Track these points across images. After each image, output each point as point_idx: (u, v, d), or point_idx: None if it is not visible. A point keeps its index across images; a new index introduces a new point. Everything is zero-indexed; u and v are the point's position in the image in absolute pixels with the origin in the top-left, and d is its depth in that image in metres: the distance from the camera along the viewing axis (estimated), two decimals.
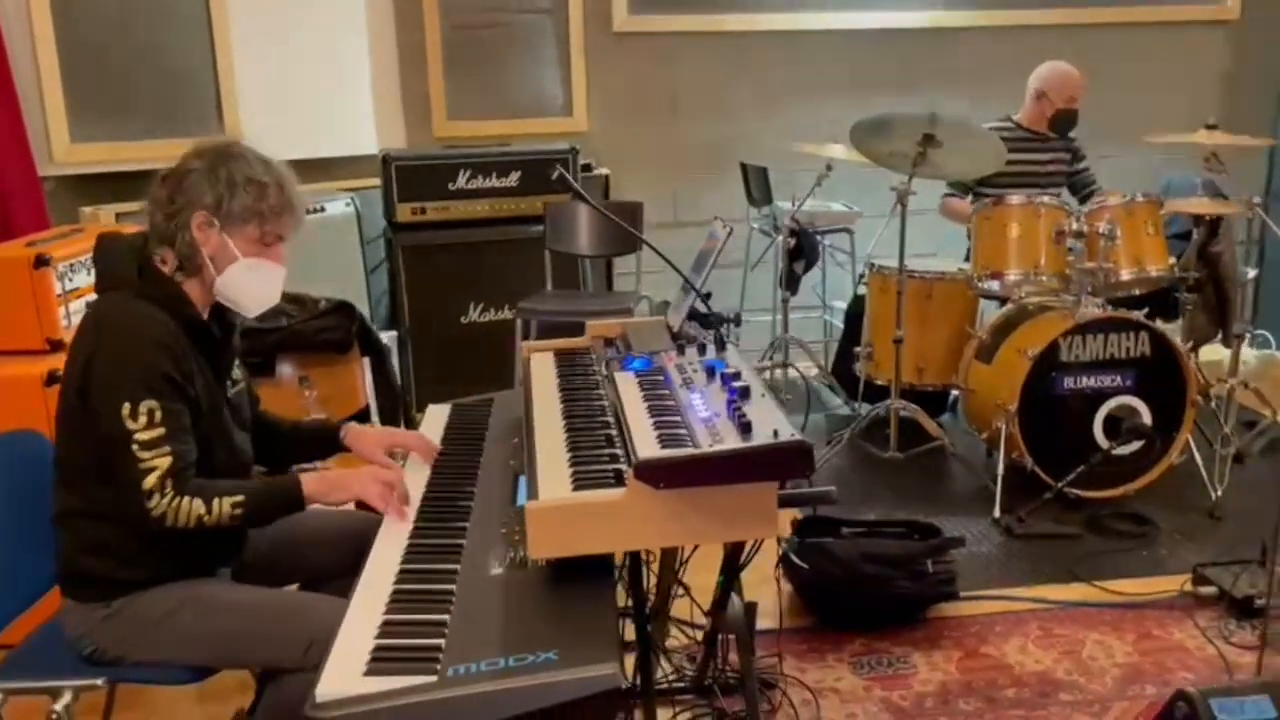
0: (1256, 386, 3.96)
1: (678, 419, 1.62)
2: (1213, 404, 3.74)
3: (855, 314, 4.24)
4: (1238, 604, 2.75)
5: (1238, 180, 3.93)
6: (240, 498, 1.74)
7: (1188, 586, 2.89)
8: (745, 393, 1.64)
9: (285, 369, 2.99)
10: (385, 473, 1.86)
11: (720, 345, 1.93)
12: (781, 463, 1.43)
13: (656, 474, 1.41)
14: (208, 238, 1.78)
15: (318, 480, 1.84)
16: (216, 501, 1.72)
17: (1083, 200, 4.08)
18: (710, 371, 1.78)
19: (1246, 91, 5.03)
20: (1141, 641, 2.67)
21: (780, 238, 4.23)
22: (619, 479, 1.51)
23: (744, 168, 4.60)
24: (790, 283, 4.32)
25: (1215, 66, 5.08)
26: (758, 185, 4.50)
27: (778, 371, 4.47)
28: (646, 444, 1.52)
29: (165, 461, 1.69)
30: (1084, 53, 4.34)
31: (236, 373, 1.96)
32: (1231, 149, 3.67)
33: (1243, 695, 1.70)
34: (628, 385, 1.82)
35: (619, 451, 1.62)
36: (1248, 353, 4.87)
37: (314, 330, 3.06)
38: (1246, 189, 4.05)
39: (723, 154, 4.80)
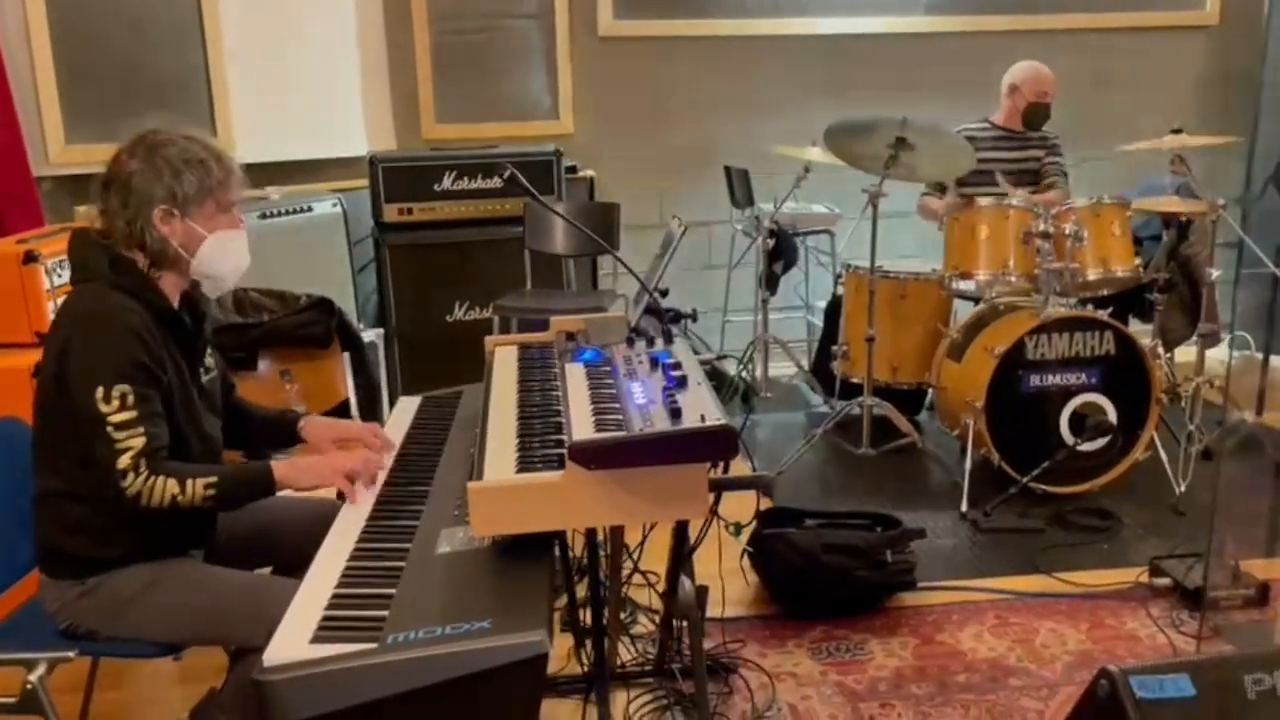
0: (1224, 385, 4.03)
1: (616, 405, 1.70)
2: (1181, 402, 3.81)
3: (834, 314, 4.32)
4: (1189, 595, 2.83)
5: (1214, 184, 4.00)
6: (213, 479, 1.82)
7: (1144, 578, 2.96)
8: (682, 382, 1.72)
9: (266, 363, 3.08)
10: (353, 460, 1.94)
11: (668, 339, 2.01)
12: (706, 445, 1.51)
13: (588, 455, 1.50)
14: (173, 229, 1.87)
15: (288, 466, 1.92)
16: (190, 482, 1.80)
17: (1040, 189, 4.15)
18: (654, 362, 1.87)
19: (1223, 95, 5.09)
20: (1094, 630, 2.75)
21: (760, 239, 4.32)
22: (560, 462, 1.59)
23: (727, 170, 4.68)
24: (770, 283, 4.41)
25: (1195, 71, 5.14)
26: (740, 187, 4.58)
27: (758, 369, 4.56)
28: (582, 428, 1.60)
29: (139, 442, 1.77)
30: (1063, 58, 4.41)
31: (209, 360, 2.05)
32: (1207, 155, 3.74)
33: (1163, 674, 1.77)
34: (575, 375, 1.91)
35: (563, 437, 1.71)
36: (1227, 353, 4.94)
37: (295, 325, 3.15)
38: (1219, 192, 4.11)
39: (707, 156, 4.89)
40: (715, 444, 1.51)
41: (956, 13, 4.94)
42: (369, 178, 4.17)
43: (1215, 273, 3.64)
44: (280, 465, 1.90)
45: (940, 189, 4.25)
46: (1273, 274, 3.86)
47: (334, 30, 4.39)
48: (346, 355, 3.33)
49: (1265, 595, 2.77)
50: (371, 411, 3.47)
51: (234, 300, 3.14)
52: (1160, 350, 3.83)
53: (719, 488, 1.70)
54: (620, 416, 1.63)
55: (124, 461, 1.76)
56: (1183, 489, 3.47)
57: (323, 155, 4.40)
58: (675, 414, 1.55)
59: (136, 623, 1.87)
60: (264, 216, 3.72)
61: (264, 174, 4.03)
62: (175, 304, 1.94)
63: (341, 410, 3.34)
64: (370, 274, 4.36)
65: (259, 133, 4.13)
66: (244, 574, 1.99)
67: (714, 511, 1.73)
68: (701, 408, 1.56)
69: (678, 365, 1.78)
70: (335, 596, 1.53)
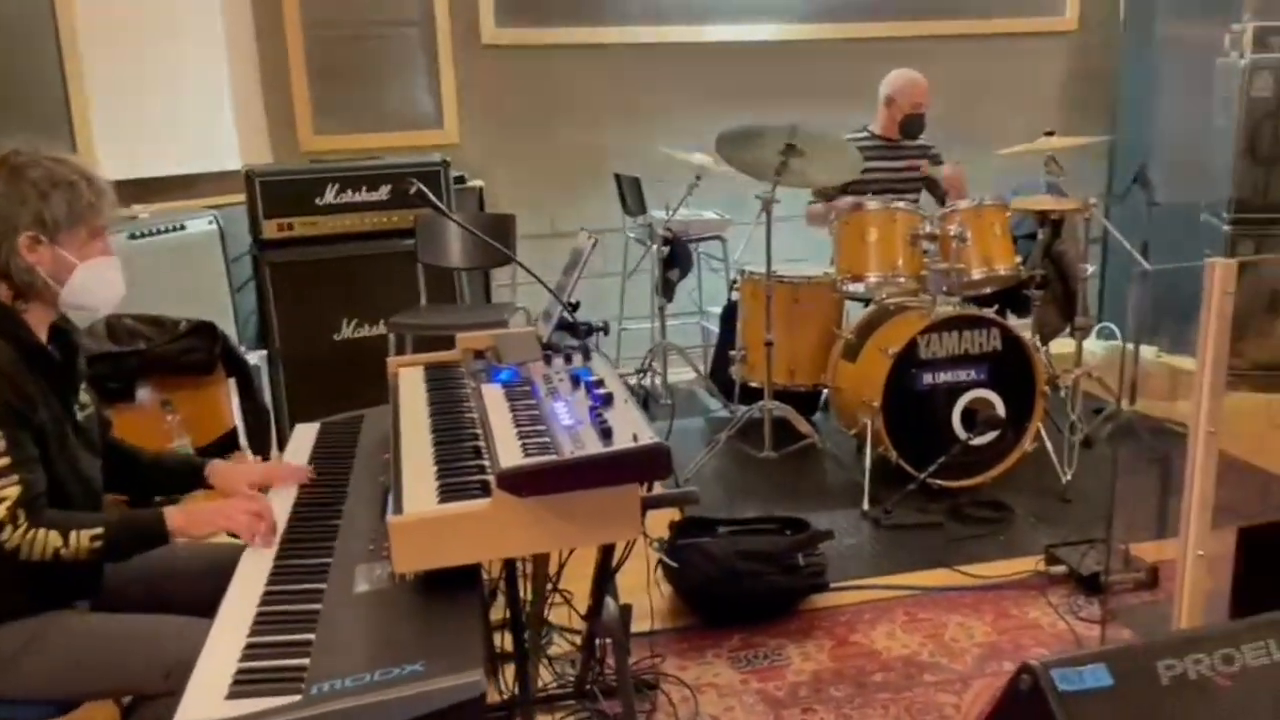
0: (1101, 376, 4.23)
1: (542, 427, 1.65)
2: (1061, 393, 3.97)
3: (730, 319, 4.34)
4: (1085, 581, 2.94)
5: (1081, 182, 4.18)
6: (99, 530, 1.69)
7: (1040, 567, 3.06)
8: (608, 400, 1.68)
9: (145, 393, 2.90)
10: (252, 503, 1.83)
11: (586, 354, 1.97)
12: (641, 465, 1.48)
13: (519, 482, 1.44)
14: (40, 257, 1.73)
15: (181, 514, 1.79)
16: (74, 534, 1.67)
17: (941, 200, 4.28)
18: (575, 380, 1.82)
19: (1085, 98, 5.35)
20: (999, 621, 2.83)
21: (654, 246, 4.31)
22: (485, 489, 1.53)
23: (618, 178, 4.66)
24: (666, 290, 4.40)
25: (1057, 75, 5.39)
26: (631, 195, 4.57)
27: (656, 378, 4.55)
28: (510, 453, 1.54)
29: (14, 491, 1.64)
30: (934, 64, 4.55)
31: (84, 396, 1.90)
32: (1073, 154, 3.91)
33: (1081, 665, 1.81)
34: (494, 397, 1.85)
35: (486, 463, 1.64)
36: (1095, 344, 5.20)
37: (175, 353, 2.98)
38: (1088, 191, 4.31)
39: (597, 164, 4.86)
40: (649, 463, 1.47)
41: (834, 20, 5.04)
42: (245, 193, 3.98)
43: (1090, 268, 3.81)
44: (173, 513, 1.78)
45: (826, 196, 4.33)
46: (1139, 268, 4.05)
47: (202, 40, 4.18)
48: (232, 381, 3.17)
49: (1155, 578, 2.89)
50: (261, 440, 3.31)
51: (107, 328, 2.94)
52: (1037, 344, 3.98)
53: (648, 506, 1.66)
54: (548, 439, 1.58)
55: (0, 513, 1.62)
56: (1068, 477, 3.62)
57: (194, 170, 4.18)
58: (606, 434, 1.51)
59: (20, 682, 1.72)
60: (134, 237, 3.51)
61: (131, 192, 3.79)
62: (44, 337, 1.79)
63: (229, 439, 3.17)
64: (250, 293, 4.17)
65: (124, 148, 3.89)
66: (131, 618, 1.84)
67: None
68: (632, 426, 1.53)
69: (601, 382, 1.74)
70: (249, 647, 1.43)
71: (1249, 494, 3.47)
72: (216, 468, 2.04)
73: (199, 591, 1.90)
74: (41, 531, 1.65)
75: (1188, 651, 1.79)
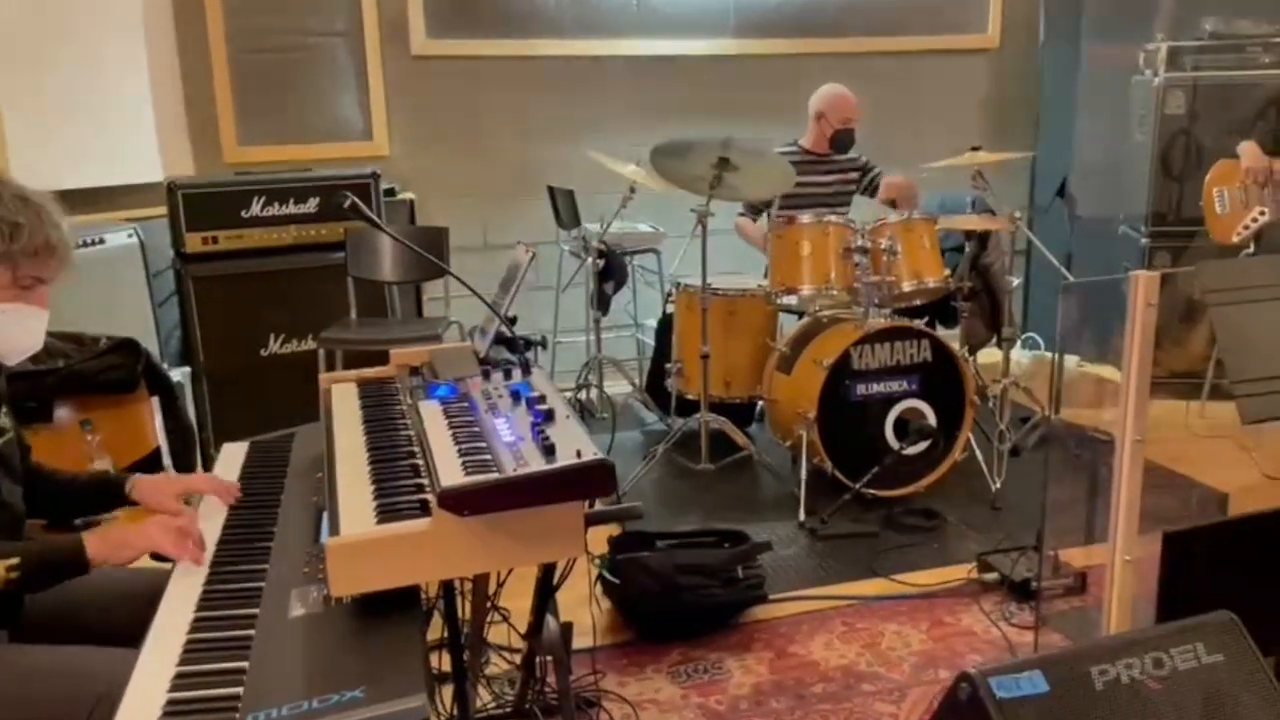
0: (1027, 385, 4.33)
1: (483, 445, 1.62)
2: (990, 403, 4.05)
3: (665, 332, 4.35)
4: (1017, 587, 2.99)
5: (1004, 196, 4.29)
6: (15, 560, 1.61)
7: (973, 574, 3.11)
8: (549, 415, 1.66)
9: (64, 413, 2.79)
10: (175, 520, 1.76)
11: (525, 369, 1.95)
12: (585, 482, 1.46)
13: (461, 501, 1.41)
14: None
15: (101, 541, 1.71)
16: None
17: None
18: (515, 396, 1.79)
19: (1007, 114, 5.48)
20: (934, 629, 2.86)
21: (589, 259, 4.30)
22: (425, 509, 1.49)
23: (551, 191, 4.64)
24: (601, 303, 4.39)
25: (979, 92, 5.52)
26: (565, 208, 4.55)
27: (593, 391, 4.53)
28: (450, 472, 1.51)
29: None
30: (863, 79, 4.62)
31: (4, 420, 1.82)
32: (997, 169, 4.01)
33: (1018, 672, 1.84)
34: (432, 413, 1.81)
35: (424, 481, 1.61)
36: (1021, 354, 5.32)
37: (95, 370, 2.87)
38: (1011, 204, 4.42)
39: (530, 177, 4.84)
40: (593, 480, 1.45)
41: (764, 36, 5.10)
42: (168, 205, 3.87)
43: (1015, 281, 3.90)
44: (93, 540, 1.69)
45: (755, 210, 4.36)
46: (1066, 280, 4.17)
47: (122, 51, 4.05)
48: (155, 400, 3.07)
49: (1084, 583, 2.96)
50: (186, 460, 3.21)
51: None
52: (966, 354, 4.06)
53: (591, 522, 1.64)
54: (489, 457, 1.55)
55: None
56: (998, 485, 3.69)
57: (111, 182, 4.05)
58: (549, 451, 1.49)
59: None
60: None
61: None
62: None
63: (153, 460, 3.07)
64: (173, 308, 4.05)
65: (39, 159, 3.75)
66: (55, 650, 1.77)
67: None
68: (575, 442, 1.51)
69: (542, 398, 1.71)
70: (179, 676, 1.37)
71: (1171, 499, 3.58)
72: (139, 482, 1.96)
73: (122, 620, 1.82)
74: None
75: (1120, 656, 1.83)
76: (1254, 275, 2.06)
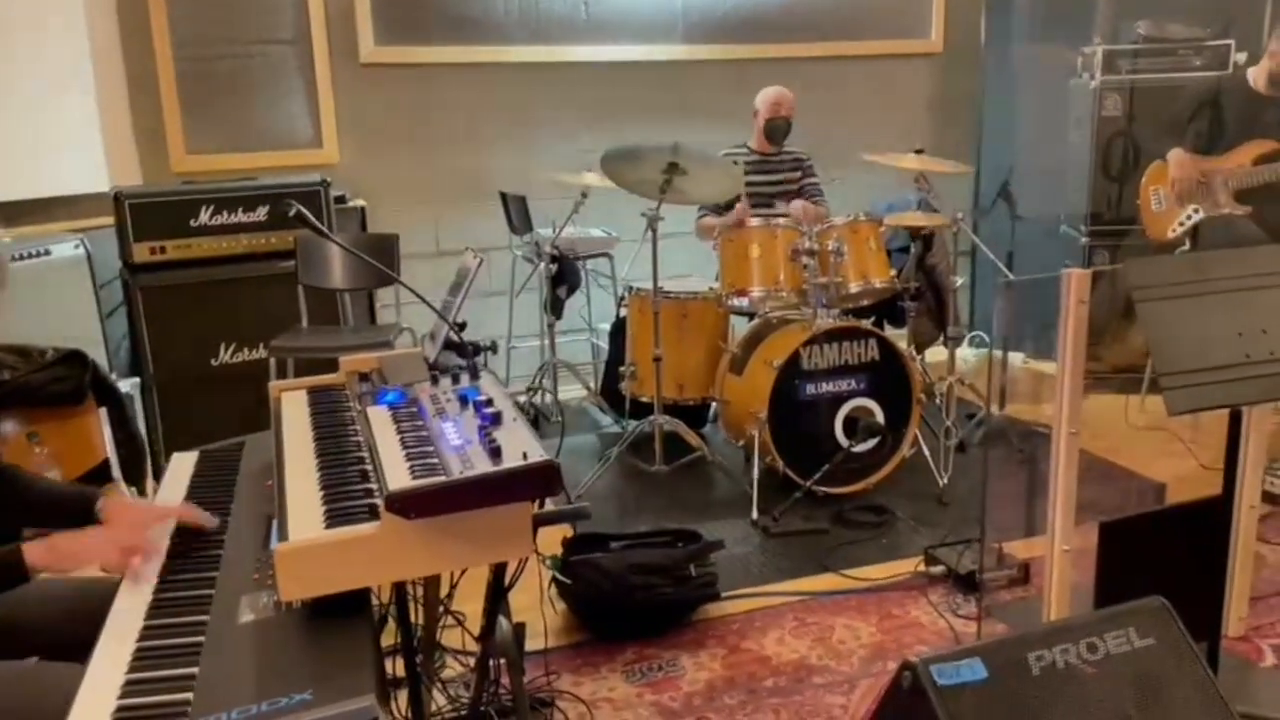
0: (973, 383, 4.42)
1: (430, 449, 1.64)
2: (936, 400, 4.14)
3: (618, 335, 4.38)
4: (962, 580, 3.06)
5: (948, 197, 4.37)
6: None
7: (920, 567, 3.18)
8: (497, 418, 1.68)
9: (10, 426, 2.77)
10: (125, 537, 1.74)
11: (474, 374, 1.97)
12: (531, 483, 1.49)
13: (408, 504, 1.43)
14: None
15: (45, 551, 1.69)
16: None
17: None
18: (464, 400, 1.82)
19: (951, 116, 5.59)
20: (884, 622, 2.92)
21: (542, 264, 4.32)
22: (373, 513, 1.51)
23: (503, 196, 4.66)
24: (555, 307, 4.42)
25: (924, 94, 5.62)
26: (517, 213, 4.57)
27: (546, 395, 4.55)
28: (398, 476, 1.53)
29: None
30: (809, 83, 4.70)
31: None
32: (941, 171, 4.09)
33: (958, 660, 1.89)
34: (380, 419, 1.83)
35: (373, 486, 1.63)
36: (968, 352, 5.43)
37: (41, 382, 2.85)
38: (955, 205, 4.52)
39: (482, 183, 4.85)
40: (539, 481, 1.48)
41: (711, 41, 5.15)
42: (115, 215, 3.84)
43: (959, 280, 3.98)
44: (34, 549, 1.67)
45: (717, 209, 4.41)
46: (1004, 278, 4.26)
47: (66, 60, 4.00)
48: (103, 411, 3.04)
49: (1027, 574, 3.04)
50: (136, 470, 3.18)
51: None
52: (913, 353, 4.14)
53: (540, 523, 1.67)
54: (436, 460, 1.58)
55: None
56: (945, 480, 3.76)
57: (56, 192, 4.00)
58: (495, 453, 1.51)
59: None
60: None
61: None
62: None
63: (101, 471, 3.04)
64: (121, 319, 4.01)
65: None
66: (4, 665, 1.76)
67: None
68: (522, 445, 1.54)
69: (489, 401, 1.74)
70: (129, 683, 1.38)
71: (1110, 491, 3.68)
72: (111, 504, 1.91)
73: (61, 628, 1.82)
74: None
75: (1055, 642, 1.89)
76: (1179, 272, 2.14)
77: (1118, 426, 4.29)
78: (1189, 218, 4.28)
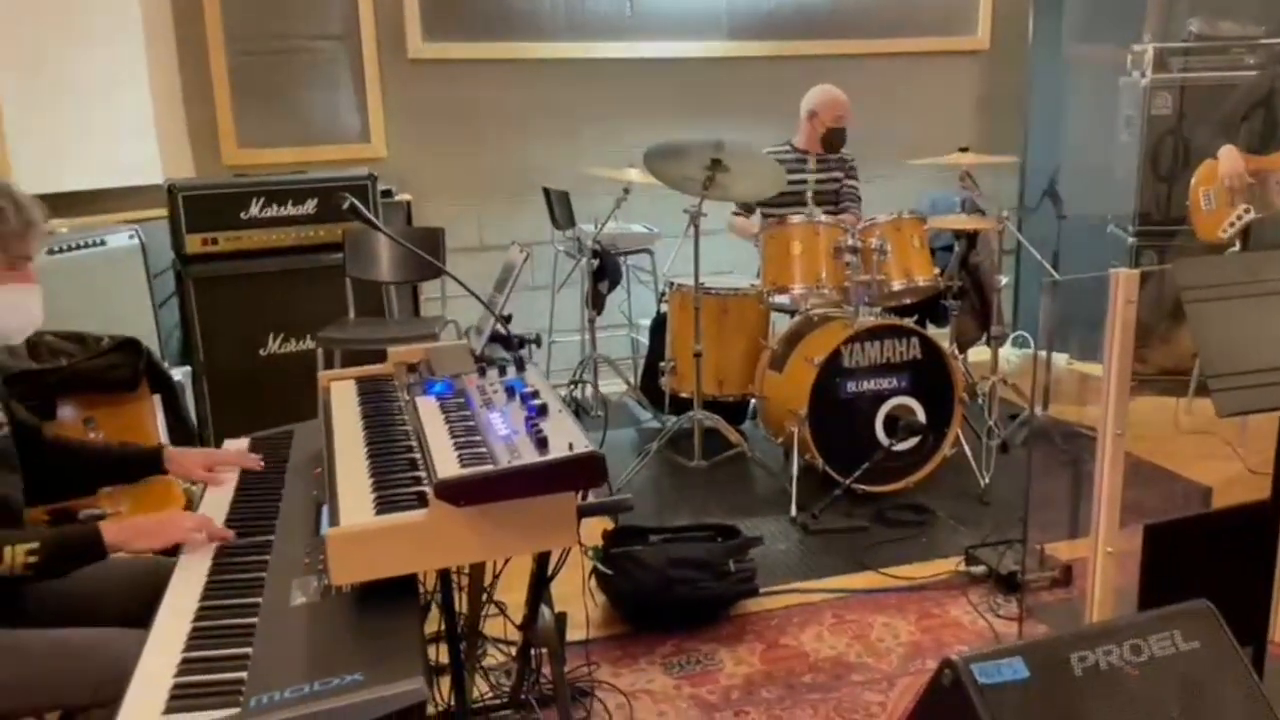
0: (1016, 383, 4.38)
1: (478, 438, 1.67)
2: (979, 400, 4.11)
3: (659, 331, 4.40)
4: (1003, 580, 3.05)
5: (993, 196, 4.35)
6: (35, 545, 1.67)
7: (961, 567, 3.17)
8: (543, 410, 1.71)
9: (67, 411, 2.84)
10: (193, 516, 1.81)
11: (520, 366, 2.00)
12: (577, 473, 1.51)
13: (456, 492, 1.46)
14: None
15: (121, 529, 1.76)
16: (9, 550, 1.64)
17: (838, 212, 4.40)
18: (510, 391, 1.85)
19: (997, 115, 5.54)
20: (922, 620, 2.92)
21: (584, 259, 4.35)
22: (422, 500, 1.55)
23: (546, 192, 4.69)
24: (596, 303, 4.45)
25: (970, 92, 5.57)
26: (560, 209, 4.60)
27: (587, 389, 4.58)
28: (447, 464, 1.56)
29: None
30: (854, 81, 4.67)
31: (0, 415, 1.87)
32: (986, 169, 4.06)
33: (999, 658, 1.89)
34: (429, 409, 1.86)
35: (421, 474, 1.66)
36: (1011, 352, 5.39)
37: (97, 369, 2.92)
38: (1001, 204, 4.48)
39: (525, 178, 4.88)
40: (585, 471, 1.51)
41: (757, 38, 5.15)
42: (168, 207, 3.92)
43: (1004, 279, 3.95)
44: (110, 527, 1.75)
45: (748, 208, 4.42)
46: (1048, 278, 4.22)
47: (122, 54, 4.09)
48: (156, 398, 3.11)
49: (1069, 576, 3.01)
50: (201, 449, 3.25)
51: (28, 345, 2.87)
52: (955, 352, 4.12)
53: (583, 514, 1.69)
54: (484, 449, 1.61)
55: None
56: (986, 480, 3.74)
57: (115, 184, 4.09)
58: (542, 443, 1.54)
59: None
60: (53, 252, 3.42)
61: (50, 206, 3.69)
62: None
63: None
64: (173, 308, 4.10)
65: (41, 162, 3.80)
66: (58, 631, 1.81)
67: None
68: (568, 435, 1.56)
69: (536, 393, 1.77)
70: (185, 661, 1.43)
71: (1155, 494, 3.64)
72: (173, 453, 2.07)
73: (118, 605, 1.88)
74: None
75: (1099, 643, 1.88)
76: (1229, 272, 2.11)
77: (1164, 429, 4.24)
78: (1240, 218, 4.21)
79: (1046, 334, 4.24)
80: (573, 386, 4.58)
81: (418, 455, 1.72)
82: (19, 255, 1.79)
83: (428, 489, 1.54)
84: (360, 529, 1.49)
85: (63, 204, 3.86)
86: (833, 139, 4.38)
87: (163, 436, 3.08)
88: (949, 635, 2.83)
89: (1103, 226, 4.98)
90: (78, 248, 3.57)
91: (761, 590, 3.01)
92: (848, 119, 4.37)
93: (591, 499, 1.71)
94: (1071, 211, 4.42)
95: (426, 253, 2.72)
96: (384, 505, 1.56)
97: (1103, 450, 2.35)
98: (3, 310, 1.79)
